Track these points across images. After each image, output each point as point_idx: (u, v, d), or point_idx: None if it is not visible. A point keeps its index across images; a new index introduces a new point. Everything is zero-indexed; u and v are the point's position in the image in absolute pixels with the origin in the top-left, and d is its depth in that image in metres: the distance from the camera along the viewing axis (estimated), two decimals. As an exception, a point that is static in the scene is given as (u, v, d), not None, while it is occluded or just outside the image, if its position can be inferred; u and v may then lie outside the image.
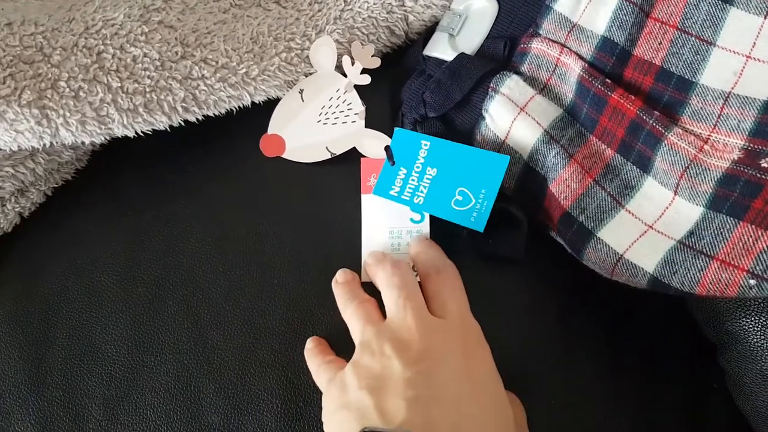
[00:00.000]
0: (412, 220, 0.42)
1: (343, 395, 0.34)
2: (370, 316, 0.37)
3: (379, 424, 0.31)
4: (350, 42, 0.46)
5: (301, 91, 0.46)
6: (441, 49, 0.45)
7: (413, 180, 0.41)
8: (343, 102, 0.46)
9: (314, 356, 0.39)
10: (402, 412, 0.31)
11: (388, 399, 0.32)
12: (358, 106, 0.46)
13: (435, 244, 0.41)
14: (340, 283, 0.40)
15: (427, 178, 0.41)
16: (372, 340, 0.35)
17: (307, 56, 0.45)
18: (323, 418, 0.36)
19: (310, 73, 0.46)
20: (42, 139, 0.40)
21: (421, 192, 0.41)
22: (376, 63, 0.46)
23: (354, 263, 0.41)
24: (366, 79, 0.46)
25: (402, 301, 0.36)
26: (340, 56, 0.46)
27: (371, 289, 0.39)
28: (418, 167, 0.42)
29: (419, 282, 0.38)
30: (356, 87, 0.46)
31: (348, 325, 0.38)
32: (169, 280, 0.42)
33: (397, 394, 0.32)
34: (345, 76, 0.46)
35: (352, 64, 0.46)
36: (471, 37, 0.45)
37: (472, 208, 0.39)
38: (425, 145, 0.42)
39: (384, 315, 0.37)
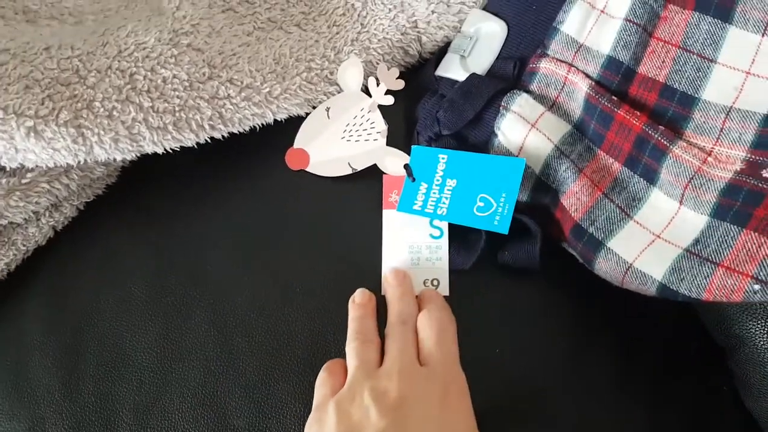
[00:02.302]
0: (431, 235, 0.44)
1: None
2: (365, 358, 0.38)
3: None
4: (366, 62, 0.48)
5: (327, 109, 0.47)
6: (453, 70, 0.47)
7: (434, 193, 0.43)
8: (367, 121, 0.47)
9: (321, 374, 0.40)
10: None
11: None
12: (381, 125, 0.47)
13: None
14: (356, 305, 0.41)
15: (448, 190, 0.43)
16: (356, 384, 0.36)
17: (326, 75, 0.47)
18: None
19: (330, 92, 0.48)
20: (77, 157, 0.41)
21: (444, 203, 0.43)
22: (400, 85, 0.48)
23: (374, 275, 0.43)
24: (390, 100, 0.48)
25: (396, 352, 0.37)
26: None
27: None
28: (438, 180, 0.43)
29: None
30: (379, 107, 0.48)
31: (347, 358, 0.39)
32: (196, 290, 0.44)
33: None
34: (369, 96, 0.48)
35: (377, 85, 0.48)
36: (482, 58, 0.47)
37: (495, 212, 0.41)
38: (443, 158, 0.44)
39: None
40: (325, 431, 0.35)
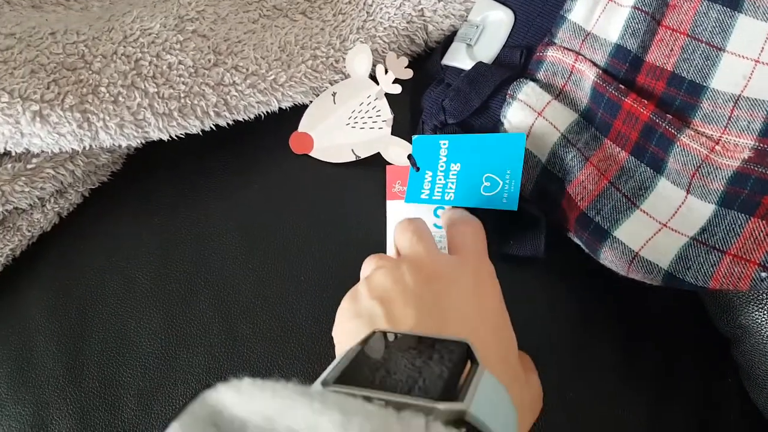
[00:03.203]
0: (435, 225, 0.44)
1: (354, 305, 0.34)
2: (382, 257, 0.37)
3: (389, 329, 0.30)
4: (372, 50, 0.48)
5: (333, 94, 0.47)
6: (459, 58, 0.47)
7: (440, 180, 0.43)
8: (373, 108, 0.47)
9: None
10: (411, 320, 0.31)
11: (398, 308, 0.32)
12: (387, 114, 0.47)
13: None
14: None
15: (453, 174, 0.43)
16: (385, 263, 0.35)
17: (332, 64, 0.47)
18: (334, 330, 0.35)
19: (335, 81, 0.48)
20: (82, 142, 0.41)
21: (450, 188, 0.42)
22: (408, 74, 0.48)
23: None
24: (397, 89, 0.48)
25: (415, 239, 0.36)
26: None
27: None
28: (442, 167, 0.43)
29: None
30: (386, 95, 0.48)
31: (364, 273, 0.38)
32: (200, 277, 0.44)
33: (407, 305, 0.32)
34: (377, 83, 0.48)
35: (386, 72, 0.48)
36: (488, 47, 0.47)
37: (502, 190, 0.40)
38: (444, 144, 0.44)
39: None
40: (361, 301, 0.33)
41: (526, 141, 0.41)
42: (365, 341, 0.26)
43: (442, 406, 0.20)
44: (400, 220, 0.39)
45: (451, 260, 0.35)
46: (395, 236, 0.39)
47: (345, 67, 0.48)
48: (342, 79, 0.48)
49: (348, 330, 0.33)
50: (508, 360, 0.33)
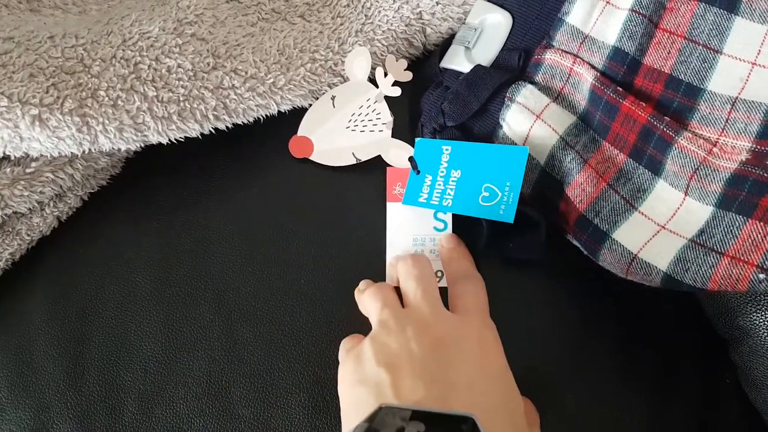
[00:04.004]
0: (435, 228, 0.44)
1: (359, 368, 0.34)
2: (387, 299, 0.37)
3: (395, 401, 0.31)
4: (370, 54, 0.48)
5: (333, 98, 0.47)
6: (457, 61, 0.47)
7: (440, 185, 0.43)
8: (373, 111, 0.47)
9: (345, 341, 0.40)
10: (419, 391, 0.32)
11: (404, 377, 0.32)
12: (387, 117, 0.47)
13: (467, 251, 0.42)
14: (362, 291, 0.41)
15: (453, 181, 0.43)
16: (390, 320, 0.35)
17: (331, 67, 0.47)
18: (339, 391, 0.36)
19: (334, 84, 0.48)
20: (82, 146, 0.41)
21: (449, 195, 0.43)
22: (408, 76, 0.48)
23: (378, 265, 0.43)
24: (397, 91, 0.48)
25: (420, 292, 0.37)
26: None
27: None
28: (442, 172, 0.43)
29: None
30: (386, 98, 0.48)
31: (365, 307, 0.39)
32: (200, 280, 0.44)
33: (414, 374, 0.32)
34: (377, 86, 0.48)
35: (385, 75, 0.48)
36: (486, 50, 0.47)
37: (500, 201, 0.41)
38: (446, 149, 0.44)
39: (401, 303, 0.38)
40: (366, 366, 0.34)
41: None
42: (372, 418, 0.27)
43: None
44: (402, 255, 0.41)
45: (456, 323, 0.36)
46: (399, 269, 0.40)
47: (344, 70, 0.48)
48: (341, 82, 0.48)
49: (354, 397, 0.34)
50: (513, 420, 0.34)
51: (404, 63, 0.48)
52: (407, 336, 0.34)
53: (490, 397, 0.33)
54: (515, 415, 0.34)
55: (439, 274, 0.43)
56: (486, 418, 0.27)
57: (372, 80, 0.48)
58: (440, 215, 0.44)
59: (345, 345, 0.39)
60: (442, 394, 0.32)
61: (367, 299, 0.39)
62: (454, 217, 0.44)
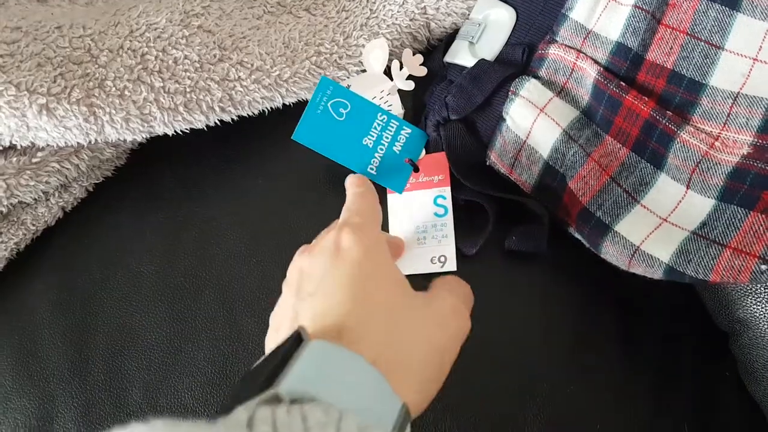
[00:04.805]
0: (436, 214, 0.44)
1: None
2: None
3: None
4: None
5: (348, 87, 0.48)
6: (461, 56, 0.47)
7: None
8: (385, 103, 0.47)
9: None
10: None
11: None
12: (398, 109, 0.47)
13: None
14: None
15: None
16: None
17: (336, 60, 0.48)
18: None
19: (339, 77, 0.48)
20: (88, 136, 0.42)
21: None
22: (423, 71, 0.48)
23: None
24: (410, 85, 0.48)
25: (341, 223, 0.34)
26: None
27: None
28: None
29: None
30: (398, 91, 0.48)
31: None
32: (204, 271, 0.44)
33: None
34: (391, 79, 0.48)
35: (400, 69, 0.48)
36: (490, 45, 0.47)
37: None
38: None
39: None
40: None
41: (528, 146, 0.42)
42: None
43: (257, 398, 0.23)
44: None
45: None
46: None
47: (349, 63, 0.48)
48: (346, 76, 0.48)
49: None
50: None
51: (420, 58, 0.48)
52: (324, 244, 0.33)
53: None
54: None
55: (443, 258, 0.43)
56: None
57: (387, 73, 0.48)
58: (440, 201, 0.44)
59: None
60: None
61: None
62: (456, 205, 0.44)
